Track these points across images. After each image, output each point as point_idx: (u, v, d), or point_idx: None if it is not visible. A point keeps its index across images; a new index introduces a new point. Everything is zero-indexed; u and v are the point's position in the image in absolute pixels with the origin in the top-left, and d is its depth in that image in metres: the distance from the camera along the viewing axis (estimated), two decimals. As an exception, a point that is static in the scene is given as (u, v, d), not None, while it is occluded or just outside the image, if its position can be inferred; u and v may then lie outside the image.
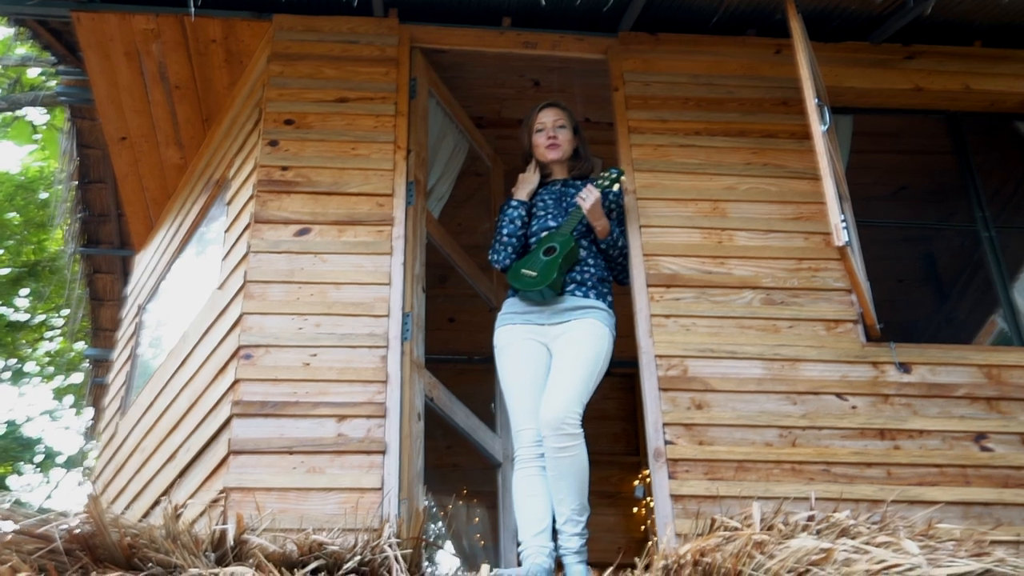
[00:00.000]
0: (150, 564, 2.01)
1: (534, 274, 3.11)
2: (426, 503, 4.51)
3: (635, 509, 5.80)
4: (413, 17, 3.85)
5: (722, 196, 3.54)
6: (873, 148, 4.61)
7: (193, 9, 3.58)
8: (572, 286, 3.14)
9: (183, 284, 4.22)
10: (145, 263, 4.86)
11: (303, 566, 2.15)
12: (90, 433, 7.51)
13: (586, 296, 3.12)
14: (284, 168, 3.48)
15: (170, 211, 4.65)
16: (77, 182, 5.17)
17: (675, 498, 2.92)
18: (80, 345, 8.73)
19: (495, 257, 3.30)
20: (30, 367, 10.31)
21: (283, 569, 2.10)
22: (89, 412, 7.07)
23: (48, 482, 10.46)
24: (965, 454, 3.07)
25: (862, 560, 1.89)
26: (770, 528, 2.39)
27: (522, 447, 2.99)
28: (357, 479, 2.89)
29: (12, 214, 8.86)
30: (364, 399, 3.03)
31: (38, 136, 8.33)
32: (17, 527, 1.96)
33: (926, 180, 4.91)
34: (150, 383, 3.93)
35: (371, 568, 2.26)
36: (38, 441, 10.26)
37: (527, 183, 3.42)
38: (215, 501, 2.87)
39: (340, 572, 2.18)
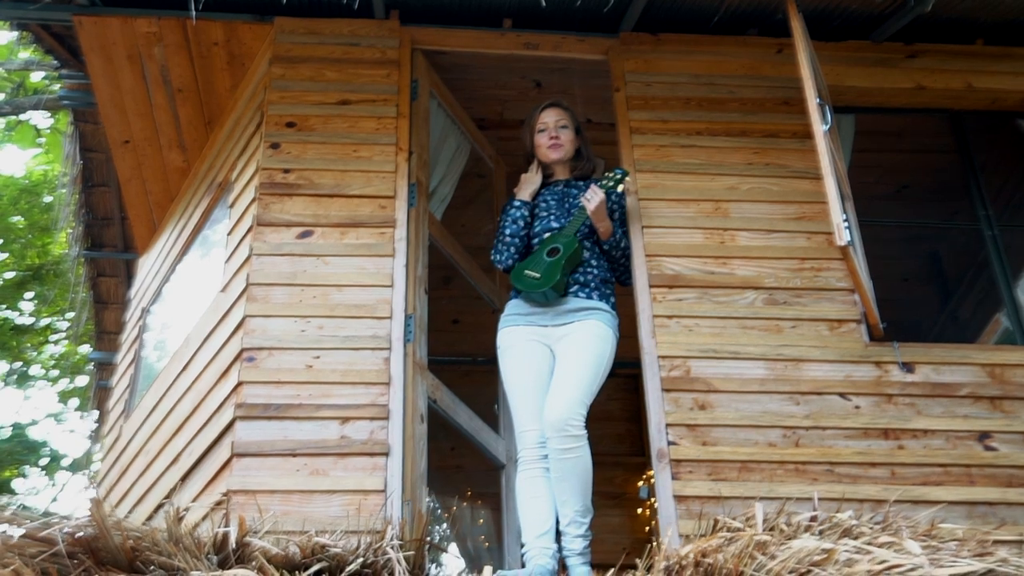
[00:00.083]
0: (152, 567, 2.01)
1: (537, 275, 3.09)
2: (429, 505, 4.51)
3: (640, 510, 5.79)
4: (414, 19, 3.85)
5: (724, 196, 3.54)
6: (875, 147, 4.60)
7: (195, 12, 3.59)
8: (575, 287, 3.13)
9: (186, 287, 4.23)
10: (148, 266, 4.87)
11: (305, 568, 2.15)
12: (95, 436, 7.53)
13: (589, 297, 3.12)
14: (286, 171, 3.48)
15: (173, 214, 4.66)
16: (81, 186, 5.18)
17: (678, 499, 2.92)
18: (84, 348, 8.75)
19: (498, 258, 3.30)
20: (35, 370, 10.35)
21: (285, 572, 2.10)
22: (94, 415, 7.08)
23: (53, 485, 10.49)
24: (969, 454, 3.06)
25: (864, 560, 1.89)
26: (772, 529, 2.39)
27: (525, 448, 2.98)
28: (360, 481, 2.89)
29: (16, 218, 8.90)
30: (367, 401, 3.03)
31: (42, 140, 8.35)
32: (20, 530, 1.97)
33: (928, 179, 4.90)
34: (153, 386, 3.94)
35: (374, 570, 2.27)
36: (43, 444, 10.29)
37: (529, 183, 3.41)
38: (218, 504, 2.87)
39: (343, 574, 2.18)
